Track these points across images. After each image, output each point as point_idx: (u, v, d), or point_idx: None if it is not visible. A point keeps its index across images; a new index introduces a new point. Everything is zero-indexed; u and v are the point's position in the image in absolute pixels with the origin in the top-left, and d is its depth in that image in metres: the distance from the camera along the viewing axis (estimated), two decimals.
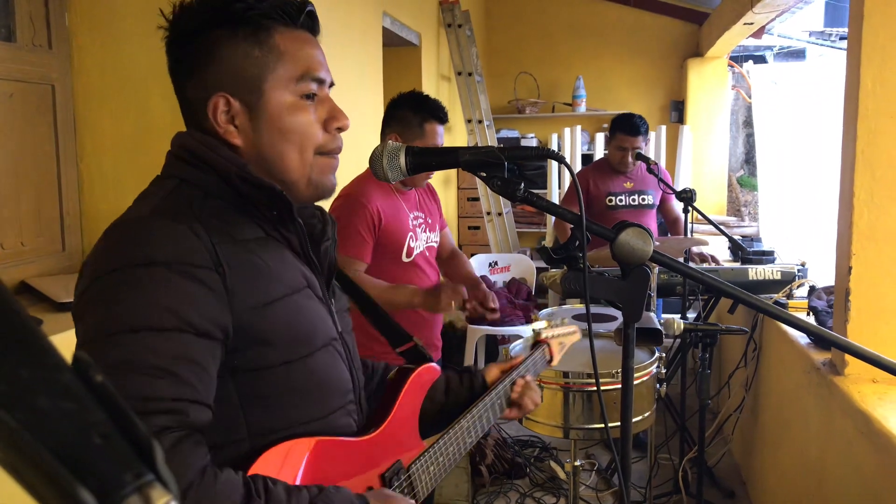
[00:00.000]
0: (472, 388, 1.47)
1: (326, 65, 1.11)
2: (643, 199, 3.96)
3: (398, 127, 2.39)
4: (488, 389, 1.45)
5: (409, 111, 2.39)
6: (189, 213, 0.98)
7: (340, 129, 1.11)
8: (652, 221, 4.07)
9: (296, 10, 1.07)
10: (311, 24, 1.10)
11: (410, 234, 2.42)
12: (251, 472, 0.96)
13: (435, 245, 2.58)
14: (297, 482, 1.00)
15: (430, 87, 5.20)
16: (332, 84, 1.13)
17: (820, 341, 2.43)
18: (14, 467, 0.26)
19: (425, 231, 2.51)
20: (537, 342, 1.66)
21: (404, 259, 2.41)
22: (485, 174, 1.09)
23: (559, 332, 1.71)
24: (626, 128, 3.82)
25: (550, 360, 1.68)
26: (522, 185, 1.07)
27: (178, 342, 0.90)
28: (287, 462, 1.01)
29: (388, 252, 2.36)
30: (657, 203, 4.02)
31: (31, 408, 0.26)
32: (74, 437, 0.26)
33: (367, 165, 1.16)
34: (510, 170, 1.08)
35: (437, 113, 2.39)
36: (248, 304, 0.98)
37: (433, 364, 1.36)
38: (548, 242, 5.34)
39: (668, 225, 4.22)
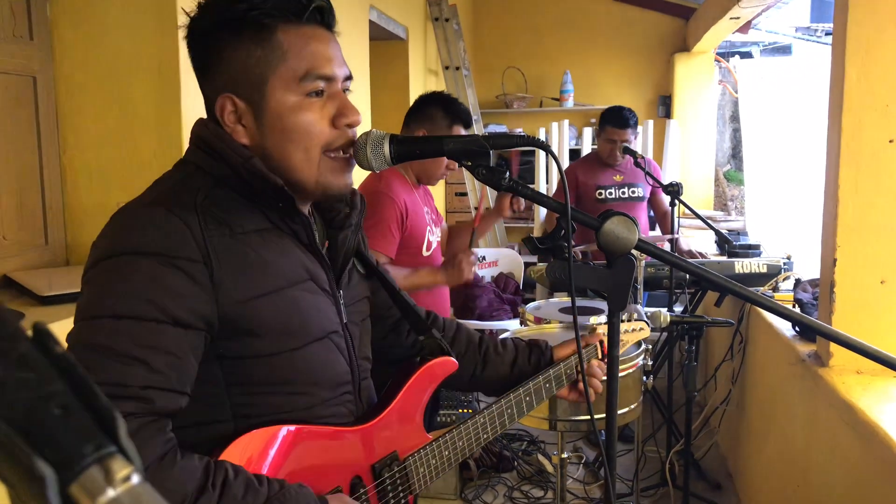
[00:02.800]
0: (538, 366, 1.47)
1: (340, 58, 1.10)
2: (633, 192, 3.96)
3: (427, 124, 2.46)
4: (534, 377, 1.43)
5: (439, 111, 2.46)
6: (190, 203, 1.01)
7: (350, 126, 1.09)
8: (642, 214, 4.08)
9: (300, 7, 1.05)
10: (320, 19, 1.09)
11: (428, 227, 2.49)
12: (225, 454, 0.98)
13: (440, 239, 2.65)
14: (268, 468, 1.02)
15: (418, 81, 5.19)
16: (349, 77, 1.11)
17: (805, 333, 2.44)
18: None
19: (435, 225, 2.59)
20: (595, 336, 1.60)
21: (424, 253, 2.47)
22: (470, 163, 1.09)
23: (627, 326, 1.63)
24: (615, 121, 3.82)
25: (602, 356, 1.63)
26: (508, 173, 1.07)
27: (155, 332, 0.94)
28: (263, 447, 1.02)
29: (410, 247, 2.42)
30: (647, 196, 4.03)
31: None
32: (32, 408, 0.25)
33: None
34: (498, 164, 1.08)
35: (465, 117, 2.48)
36: (235, 296, 1.00)
37: (450, 358, 1.34)
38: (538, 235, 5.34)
39: (658, 218, 4.23)
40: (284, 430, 1.05)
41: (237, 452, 1.00)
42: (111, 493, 0.26)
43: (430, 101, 2.51)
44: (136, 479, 0.26)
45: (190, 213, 0.99)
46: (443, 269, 2.37)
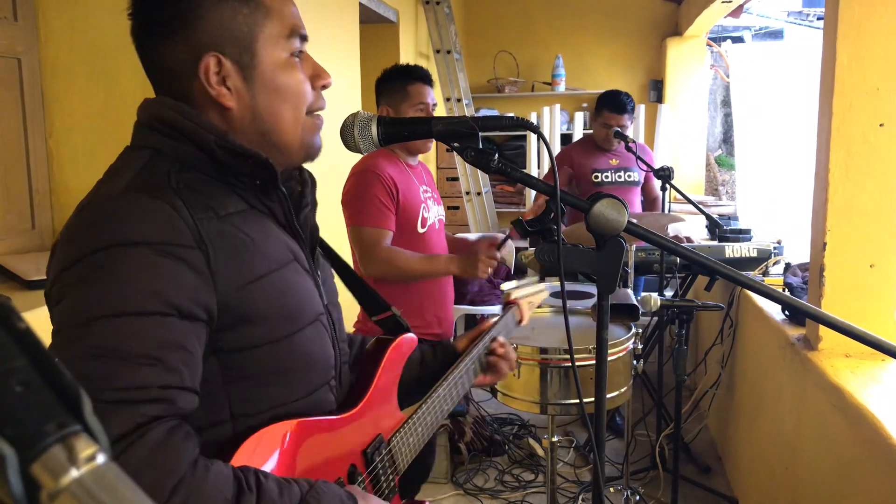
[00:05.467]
0: (444, 359, 1.46)
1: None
2: (629, 176, 3.96)
3: (386, 98, 2.47)
4: (462, 356, 1.43)
5: (391, 81, 2.47)
6: (167, 187, 0.93)
7: (325, 87, 1.09)
8: (637, 198, 4.08)
9: None
10: None
11: (423, 205, 2.46)
12: (235, 459, 0.92)
13: (443, 219, 2.61)
14: (277, 470, 0.97)
15: None
16: (307, 40, 1.10)
17: (794, 317, 2.45)
18: None
19: (435, 204, 2.55)
20: (507, 303, 1.66)
21: (419, 230, 2.44)
22: (458, 145, 1.07)
23: (528, 290, 1.70)
24: (612, 105, 3.80)
25: (521, 321, 1.67)
26: (496, 155, 1.06)
27: (163, 327, 0.86)
28: (270, 448, 0.98)
29: (404, 223, 2.39)
30: (642, 180, 4.03)
31: None
32: None
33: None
34: (489, 148, 1.06)
35: (416, 72, 2.45)
36: (233, 283, 0.94)
37: (411, 334, 1.34)
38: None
39: (648, 204, 4.23)
40: (287, 428, 1.00)
41: (245, 458, 0.94)
42: (74, 472, 0.25)
43: (382, 78, 2.52)
44: (100, 458, 0.25)
45: (173, 197, 0.92)
46: (460, 260, 2.34)
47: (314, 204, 1.16)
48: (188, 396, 0.87)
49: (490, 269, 2.29)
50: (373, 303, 1.39)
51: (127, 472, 0.77)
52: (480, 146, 1.07)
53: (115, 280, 0.86)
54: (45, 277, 1.93)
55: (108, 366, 0.82)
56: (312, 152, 1.10)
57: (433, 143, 2.53)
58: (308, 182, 1.15)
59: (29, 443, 0.24)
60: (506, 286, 1.71)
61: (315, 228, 1.16)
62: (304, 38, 1.06)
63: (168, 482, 0.80)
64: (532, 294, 1.71)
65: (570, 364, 2.14)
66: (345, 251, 2.54)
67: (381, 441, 1.18)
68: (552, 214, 1.09)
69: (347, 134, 1.10)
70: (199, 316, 0.90)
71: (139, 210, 0.89)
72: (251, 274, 0.96)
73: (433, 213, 2.52)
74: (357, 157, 2.44)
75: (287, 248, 1.05)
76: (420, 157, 2.60)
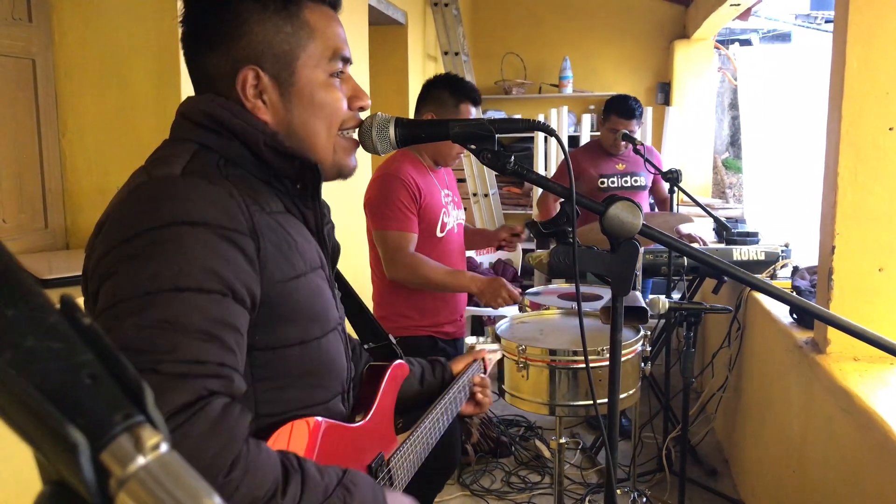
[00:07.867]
0: (443, 379, 1.51)
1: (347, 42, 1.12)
2: (635, 181, 3.95)
3: (434, 106, 2.48)
4: (452, 382, 1.48)
5: (445, 91, 2.48)
6: (220, 176, 0.96)
7: (362, 109, 1.12)
8: (644, 203, 4.07)
9: None
10: (334, 1, 1.12)
11: (444, 209, 2.49)
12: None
13: (462, 222, 2.66)
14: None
15: (417, 66, 5.17)
16: (351, 62, 1.14)
17: (802, 320, 2.45)
18: (2, 408, 0.25)
19: (455, 209, 2.58)
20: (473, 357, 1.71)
21: (438, 234, 2.48)
22: (474, 147, 1.09)
23: (489, 348, 1.76)
24: (620, 110, 3.79)
25: (485, 371, 1.71)
26: (512, 157, 1.07)
27: (220, 306, 0.87)
28: (295, 441, 1.00)
29: (424, 227, 2.43)
30: (649, 184, 4.02)
31: (18, 347, 0.25)
32: (63, 377, 0.26)
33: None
34: (504, 151, 1.08)
35: (472, 95, 2.49)
36: (276, 276, 0.96)
37: (403, 361, 1.37)
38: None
39: (658, 205, 4.24)
40: (318, 425, 1.03)
41: (276, 444, 0.96)
42: (141, 460, 0.26)
43: (436, 84, 2.52)
44: (164, 447, 0.26)
45: (228, 185, 0.94)
46: (483, 283, 2.40)
47: (332, 225, 1.19)
48: (240, 378, 0.88)
49: (504, 305, 2.38)
50: (372, 331, 1.39)
51: (188, 443, 0.78)
52: (496, 148, 1.08)
53: (177, 256, 0.86)
54: (57, 276, 1.95)
55: (169, 337, 0.82)
56: (345, 172, 1.13)
57: (460, 157, 2.56)
58: (325, 205, 1.18)
59: (98, 432, 0.25)
60: (469, 340, 1.88)
61: (336, 246, 1.20)
62: (346, 61, 1.10)
63: (227, 457, 0.81)
64: (491, 352, 1.77)
65: (578, 366, 2.15)
66: (356, 256, 2.55)
67: (382, 460, 1.20)
68: (566, 217, 1.09)
69: (365, 136, 1.11)
70: (247, 302, 0.92)
71: (201, 192, 0.92)
72: (292, 271, 0.99)
73: (453, 217, 2.55)
74: (368, 159, 2.45)
75: (317, 254, 1.08)
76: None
